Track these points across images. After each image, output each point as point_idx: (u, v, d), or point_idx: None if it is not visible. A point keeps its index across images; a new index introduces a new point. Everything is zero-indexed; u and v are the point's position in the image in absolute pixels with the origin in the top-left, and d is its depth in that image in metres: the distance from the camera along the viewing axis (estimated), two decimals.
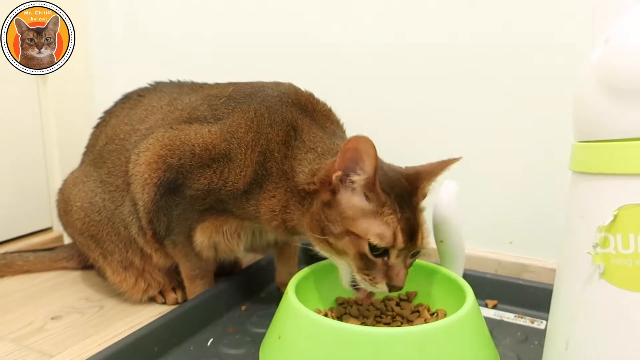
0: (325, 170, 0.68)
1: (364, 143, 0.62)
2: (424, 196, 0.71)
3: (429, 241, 0.70)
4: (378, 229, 0.65)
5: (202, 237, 0.79)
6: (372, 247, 0.65)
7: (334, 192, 0.67)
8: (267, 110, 0.75)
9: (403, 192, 0.67)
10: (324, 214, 0.67)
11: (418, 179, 0.69)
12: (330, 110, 0.82)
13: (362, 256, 0.66)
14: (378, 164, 0.64)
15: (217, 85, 0.87)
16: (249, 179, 0.74)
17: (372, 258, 0.66)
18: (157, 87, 0.93)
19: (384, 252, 0.66)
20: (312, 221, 0.69)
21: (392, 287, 0.66)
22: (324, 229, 0.67)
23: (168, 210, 0.80)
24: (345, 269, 0.69)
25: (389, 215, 0.65)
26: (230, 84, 0.84)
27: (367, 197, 0.66)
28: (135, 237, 0.85)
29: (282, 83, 0.81)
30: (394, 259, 0.66)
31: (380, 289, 0.67)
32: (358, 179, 0.65)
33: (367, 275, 0.66)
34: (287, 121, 0.75)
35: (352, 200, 0.66)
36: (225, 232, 0.79)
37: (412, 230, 0.66)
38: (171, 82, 0.93)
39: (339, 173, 0.65)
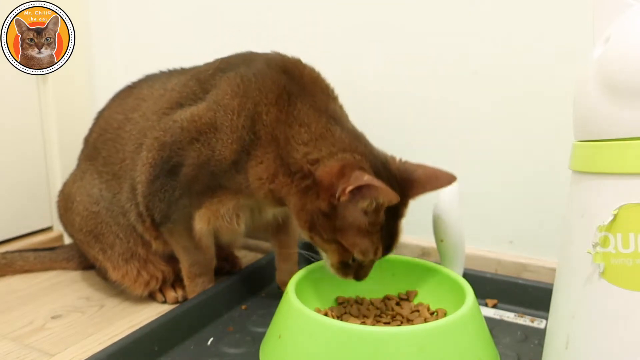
0: (328, 175, 0.66)
1: (384, 193, 0.62)
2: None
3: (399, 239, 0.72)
4: (364, 246, 0.67)
5: (200, 224, 0.79)
6: (353, 258, 0.69)
7: (333, 204, 0.65)
8: (254, 76, 0.74)
9: (394, 204, 0.66)
10: (318, 220, 0.67)
11: (411, 188, 0.69)
12: (318, 75, 0.79)
13: (341, 261, 0.70)
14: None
15: (206, 63, 0.86)
16: (236, 145, 0.72)
17: (350, 263, 0.70)
18: (147, 77, 0.93)
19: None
20: (302, 213, 0.69)
21: (357, 279, 0.72)
22: (313, 229, 0.69)
23: (165, 195, 0.79)
24: (324, 257, 0.73)
25: (377, 234, 0.67)
26: (217, 59, 0.83)
27: (366, 214, 0.66)
28: (135, 224, 0.85)
29: (269, 52, 0.80)
30: (367, 263, 0.71)
31: (346, 279, 0.73)
32: (368, 204, 0.64)
33: (340, 270, 0.72)
34: (278, 84, 0.73)
35: (352, 216, 0.66)
36: (224, 215, 0.78)
37: (391, 241, 0.69)
38: (161, 72, 0.93)
39: (348, 191, 0.63)
